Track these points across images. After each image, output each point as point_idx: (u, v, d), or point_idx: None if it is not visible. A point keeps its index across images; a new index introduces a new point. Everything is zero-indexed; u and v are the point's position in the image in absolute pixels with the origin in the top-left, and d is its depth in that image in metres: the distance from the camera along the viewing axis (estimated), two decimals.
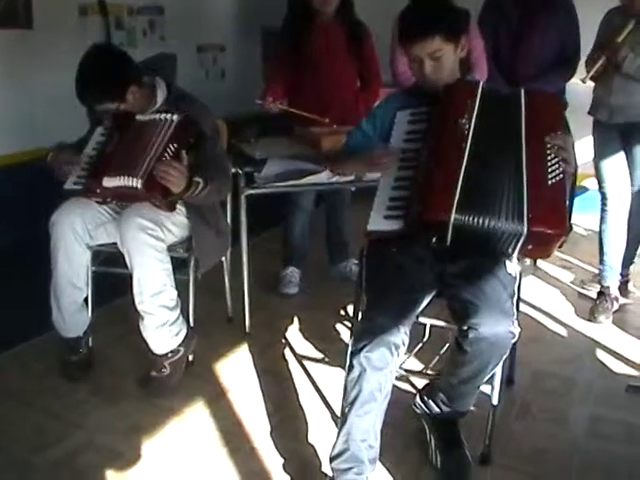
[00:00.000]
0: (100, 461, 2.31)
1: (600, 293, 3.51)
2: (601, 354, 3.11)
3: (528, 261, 3.99)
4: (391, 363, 1.98)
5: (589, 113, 3.46)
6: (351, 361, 1.99)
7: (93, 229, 2.70)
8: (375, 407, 2.00)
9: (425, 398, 2.33)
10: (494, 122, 2.10)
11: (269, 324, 3.32)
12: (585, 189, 4.86)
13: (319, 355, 3.04)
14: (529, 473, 2.30)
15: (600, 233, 3.51)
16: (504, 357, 2.08)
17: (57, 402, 2.64)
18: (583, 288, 3.79)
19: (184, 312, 2.75)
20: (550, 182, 1.97)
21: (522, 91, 2.17)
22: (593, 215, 3.57)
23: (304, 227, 3.68)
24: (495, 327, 1.95)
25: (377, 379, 1.97)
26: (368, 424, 2.00)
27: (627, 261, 3.62)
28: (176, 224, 2.69)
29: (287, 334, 3.24)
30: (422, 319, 2.29)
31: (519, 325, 2.04)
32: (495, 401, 2.31)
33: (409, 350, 2.64)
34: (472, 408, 2.33)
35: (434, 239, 2.06)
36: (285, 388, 2.78)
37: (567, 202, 2.01)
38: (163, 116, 2.56)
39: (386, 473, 2.26)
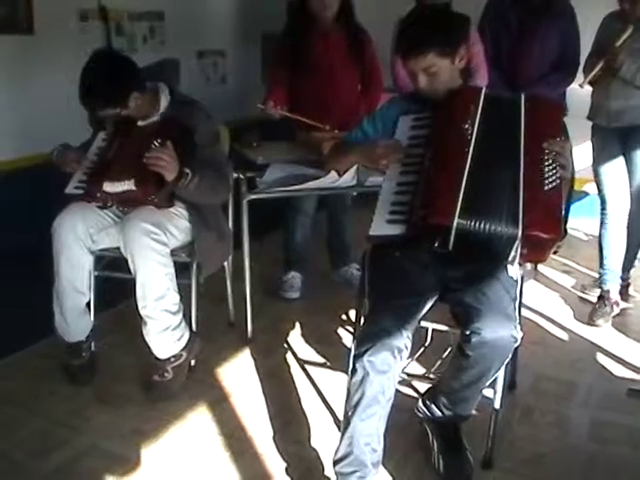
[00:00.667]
0: (103, 466, 2.32)
1: (600, 297, 3.53)
2: (602, 358, 3.12)
3: (529, 266, 4.00)
4: (394, 367, 1.99)
5: (588, 118, 3.48)
6: (354, 365, 2.00)
7: (95, 233, 2.71)
8: (378, 410, 2.00)
9: (427, 402, 2.33)
10: (496, 127, 2.12)
11: (271, 328, 3.33)
12: (586, 194, 4.86)
13: (321, 359, 3.05)
14: (531, 477, 2.31)
15: (600, 237, 3.53)
16: (506, 361, 2.09)
17: (59, 406, 2.65)
18: (584, 292, 3.80)
19: (186, 317, 2.76)
20: (547, 187, 1.99)
21: (522, 96, 2.18)
22: (594, 220, 3.59)
23: (306, 232, 3.69)
24: (498, 331, 1.96)
25: (380, 382, 1.98)
26: (371, 427, 2.01)
27: (627, 265, 3.63)
28: (179, 228, 2.70)
29: (289, 338, 3.25)
30: (424, 323, 2.30)
31: (521, 329, 2.05)
32: (497, 405, 2.32)
33: (411, 354, 2.67)
34: (474, 412, 2.34)
35: (437, 244, 2.07)
36: (287, 392, 2.78)
37: (563, 207, 2.02)
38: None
39: (389, 477, 2.26)
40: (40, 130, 4.12)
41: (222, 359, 3.01)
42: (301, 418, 2.60)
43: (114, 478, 2.27)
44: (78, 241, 2.66)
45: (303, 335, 3.28)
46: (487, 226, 1.95)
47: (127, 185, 2.53)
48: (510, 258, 2.02)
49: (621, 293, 3.59)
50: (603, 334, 3.35)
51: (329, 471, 2.22)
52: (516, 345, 2.03)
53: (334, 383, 2.81)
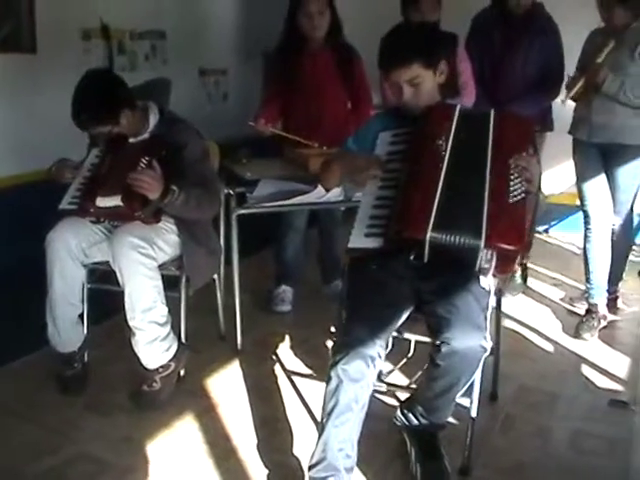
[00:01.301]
0: (92, 471, 2.39)
1: (587, 311, 3.57)
2: (587, 370, 3.16)
3: (518, 279, 4.07)
4: (367, 375, 2.05)
5: (569, 132, 3.53)
6: (329, 373, 2.07)
7: (87, 247, 2.79)
8: (352, 417, 2.06)
9: (405, 411, 2.39)
10: (467, 142, 2.19)
11: (261, 341, 3.39)
12: (578, 208, 4.91)
13: (308, 371, 3.10)
14: None
15: (585, 252, 3.57)
16: (476, 371, 2.15)
17: (51, 415, 2.71)
18: (572, 305, 3.84)
19: (175, 329, 2.83)
20: (511, 200, 2.06)
21: (492, 112, 2.25)
22: None
23: (297, 247, 3.76)
24: (467, 341, 2.02)
25: (354, 390, 2.04)
26: (345, 434, 2.07)
27: (615, 278, 3.67)
28: (167, 243, 2.78)
29: (278, 350, 3.31)
30: (407, 335, 2.36)
31: (492, 339, 2.11)
32: (474, 414, 2.37)
33: (394, 365, 2.73)
34: (453, 422, 2.40)
35: (412, 257, 2.14)
36: (273, 402, 2.84)
37: (529, 220, 2.08)
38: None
39: None
40: (42, 147, 4.20)
41: (211, 370, 3.07)
42: (285, 427, 2.66)
43: None
44: (70, 255, 2.74)
45: (292, 347, 3.34)
46: (457, 239, 2.02)
47: (117, 200, 2.62)
48: (481, 269, 2.10)
49: (610, 306, 3.63)
50: (589, 347, 3.39)
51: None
52: (486, 354, 2.09)
53: (320, 394, 2.83)
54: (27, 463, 2.43)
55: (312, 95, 3.49)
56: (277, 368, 3.14)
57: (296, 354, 3.27)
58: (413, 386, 2.60)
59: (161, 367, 2.74)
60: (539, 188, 2.19)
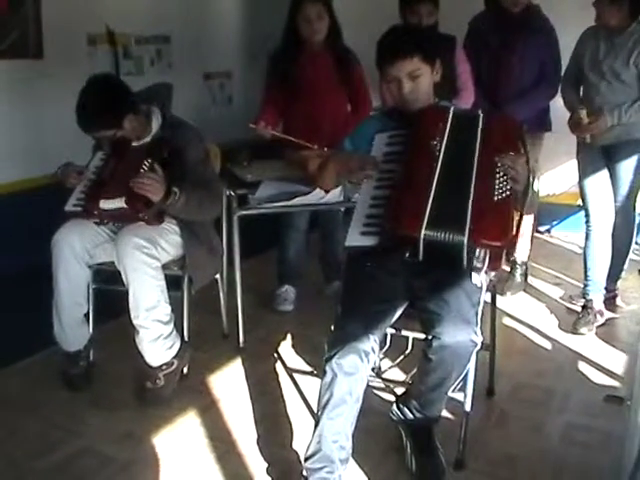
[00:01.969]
0: (97, 466, 2.46)
1: (584, 307, 3.61)
2: (583, 366, 3.21)
3: (519, 278, 4.11)
4: (361, 369, 2.11)
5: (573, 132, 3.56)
6: (324, 367, 2.14)
7: (92, 248, 2.86)
8: (346, 410, 2.12)
9: (401, 406, 2.44)
10: (459, 143, 2.25)
11: (263, 339, 3.46)
12: (579, 208, 4.95)
13: (309, 369, 3.16)
14: (502, 477, 2.41)
15: (584, 249, 3.62)
16: (467, 365, 2.21)
17: (58, 411, 2.79)
18: (571, 302, 3.88)
19: (179, 327, 2.90)
20: (496, 198, 2.12)
21: (480, 113, 2.31)
22: None
23: (299, 247, 3.82)
24: (457, 336, 2.08)
25: (348, 384, 2.10)
26: (339, 426, 2.13)
27: (614, 276, 3.71)
28: (170, 243, 2.85)
29: (279, 349, 3.37)
30: (405, 332, 2.43)
31: (481, 334, 2.17)
32: (468, 408, 2.43)
33: (393, 361, 2.79)
34: (449, 416, 2.45)
35: (407, 254, 2.20)
36: (274, 399, 2.90)
37: (515, 217, 2.14)
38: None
39: (365, 477, 2.37)
40: (49, 151, 4.28)
41: (214, 368, 3.14)
42: (285, 423, 2.72)
43: (107, 477, 2.40)
44: (75, 256, 2.81)
45: (294, 346, 3.40)
46: (445, 235, 2.08)
47: (120, 202, 2.69)
48: (474, 267, 2.15)
49: (608, 304, 3.67)
50: (587, 343, 3.43)
51: None
52: (477, 349, 2.15)
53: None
54: (32, 457, 2.50)
55: (312, 98, 3.55)
56: (278, 366, 3.20)
57: (297, 352, 3.33)
58: (410, 382, 2.66)
59: (164, 364, 2.80)
60: (529, 186, 2.24)
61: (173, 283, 2.90)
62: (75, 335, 2.92)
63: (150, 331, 2.74)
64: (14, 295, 3.62)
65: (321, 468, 2.13)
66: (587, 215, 3.59)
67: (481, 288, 2.28)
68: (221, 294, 3.39)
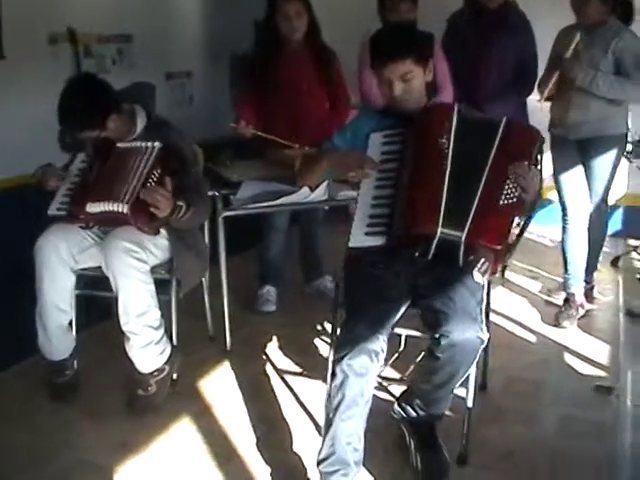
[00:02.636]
0: (90, 478, 2.38)
1: (566, 300, 3.66)
2: (569, 357, 3.25)
3: (497, 273, 4.14)
4: (371, 369, 2.10)
5: (549, 130, 3.59)
6: (334, 369, 2.11)
7: (77, 253, 2.77)
8: (358, 411, 2.10)
9: (403, 404, 2.44)
10: (470, 144, 2.25)
11: (249, 341, 3.42)
12: (550, 201, 5.01)
13: (298, 369, 3.14)
14: (504, 471, 2.42)
15: (562, 243, 3.66)
16: (474, 362, 2.21)
17: (46, 422, 2.70)
18: (549, 296, 3.94)
19: (167, 331, 2.83)
20: (501, 202, 2.15)
21: (504, 120, 2.29)
22: (558, 226, 3.70)
23: (280, 247, 3.79)
24: (465, 333, 2.08)
25: (359, 385, 2.08)
26: (352, 428, 2.11)
27: (590, 268, 3.77)
28: (158, 246, 2.77)
29: (267, 350, 3.33)
30: (398, 330, 2.41)
31: (488, 331, 2.17)
32: (470, 404, 2.44)
33: (386, 360, 2.77)
34: (448, 413, 2.45)
35: (417, 253, 2.21)
36: (267, 401, 2.87)
37: (517, 224, 2.17)
38: (144, 144, 2.67)
39: (370, 477, 2.35)
40: (19, 152, 4.15)
41: (203, 372, 3.09)
42: (282, 425, 2.69)
43: None
44: (61, 261, 2.72)
45: (280, 346, 3.37)
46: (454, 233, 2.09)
47: (115, 207, 2.59)
48: (469, 262, 2.17)
49: (586, 295, 3.72)
50: (569, 335, 3.48)
51: (311, 474, 2.32)
52: (483, 346, 2.15)
53: (312, 391, 2.90)
54: (22, 471, 2.42)
55: (291, 96, 3.51)
56: (267, 367, 3.17)
57: (285, 353, 3.30)
58: (406, 379, 2.67)
59: (156, 371, 2.74)
60: (539, 197, 2.27)
61: (159, 287, 2.83)
62: (60, 343, 2.83)
63: (141, 337, 2.67)
64: None
65: (336, 471, 2.10)
66: (564, 209, 3.63)
67: (482, 286, 2.28)
68: (206, 297, 3.34)
